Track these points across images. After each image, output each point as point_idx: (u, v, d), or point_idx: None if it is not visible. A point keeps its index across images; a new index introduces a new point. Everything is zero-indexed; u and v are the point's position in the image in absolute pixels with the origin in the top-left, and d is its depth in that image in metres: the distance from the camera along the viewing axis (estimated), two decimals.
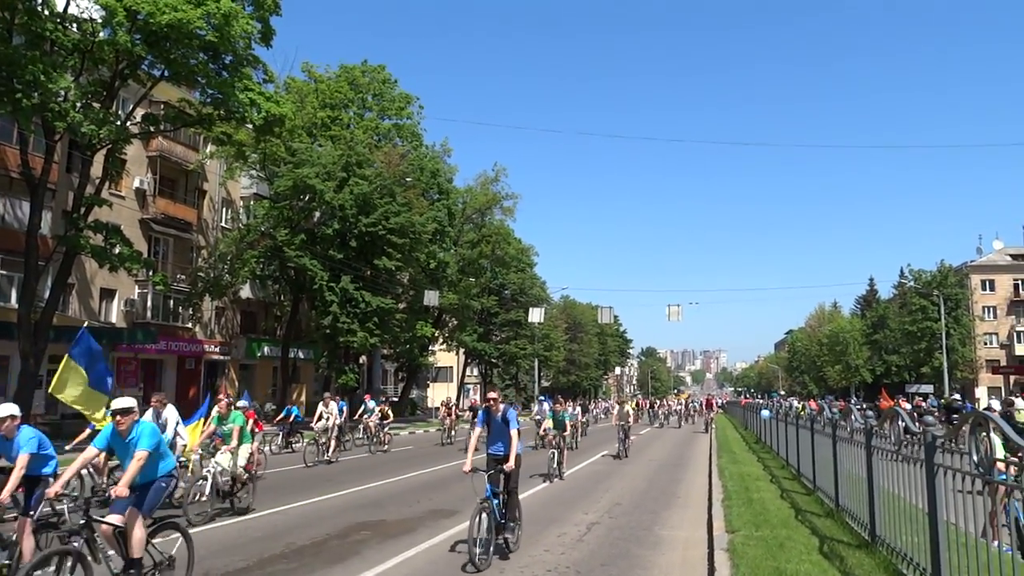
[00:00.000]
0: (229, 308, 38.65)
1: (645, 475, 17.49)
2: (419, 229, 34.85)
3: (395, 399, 49.53)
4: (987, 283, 70.55)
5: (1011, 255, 70.59)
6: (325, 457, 19.25)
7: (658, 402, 52.80)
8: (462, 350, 56.57)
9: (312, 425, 20.16)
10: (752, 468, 16.61)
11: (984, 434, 4.91)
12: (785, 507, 10.88)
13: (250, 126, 25.19)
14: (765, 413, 23.88)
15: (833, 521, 9.55)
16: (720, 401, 67.71)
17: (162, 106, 30.19)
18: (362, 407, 23.80)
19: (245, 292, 38.04)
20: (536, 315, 50.63)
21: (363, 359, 43.19)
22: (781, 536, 8.59)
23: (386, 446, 23.28)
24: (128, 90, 26.36)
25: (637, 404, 53.82)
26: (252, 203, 38.49)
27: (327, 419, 19.84)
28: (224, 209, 38.63)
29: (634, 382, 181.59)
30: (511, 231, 53.97)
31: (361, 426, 24.03)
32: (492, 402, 8.68)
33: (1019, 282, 68.42)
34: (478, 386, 65.40)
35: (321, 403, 20.44)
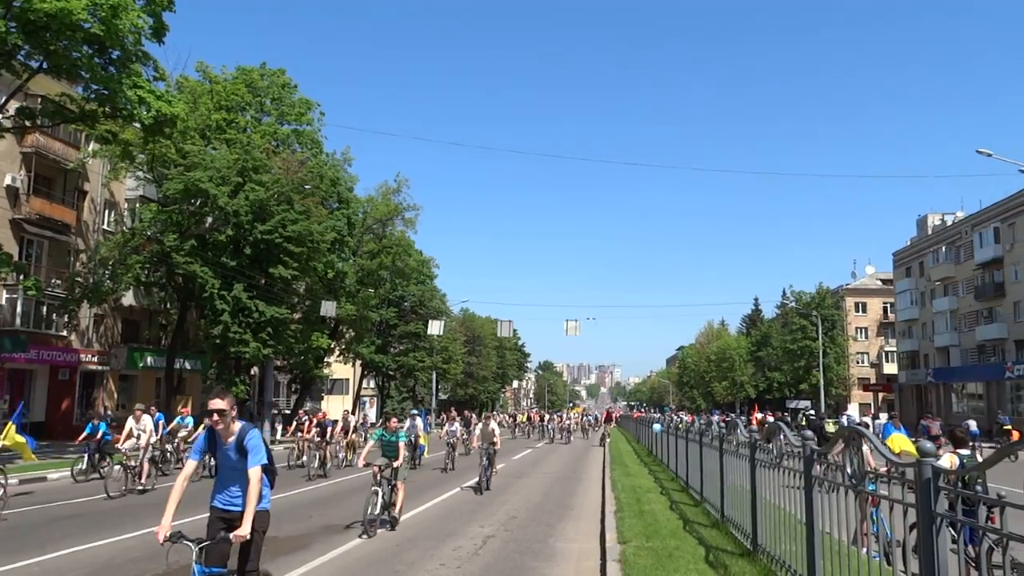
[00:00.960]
0: (109, 316, 36.55)
1: (541, 488, 17.64)
2: (317, 238, 34.08)
3: (287, 411, 48.08)
4: (860, 305, 75.43)
5: (881, 280, 75.75)
6: (137, 485, 15.56)
7: (557, 416, 53.03)
8: (359, 362, 55.57)
9: (119, 445, 16.03)
10: (644, 481, 17.03)
11: (856, 448, 5.21)
12: (674, 518, 11.21)
13: (138, 125, 23.99)
14: (657, 427, 24.58)
15: (719, 531, 9.91)
16: (616, 415, 69.31)
17: (39, 100, 28.31)
18: (175, 421, 19.82)
19: (128, 299, 36.08)
20: (435, 328, 50.40)
21: (255, 370, 41.71)
22: (670, 546, 8.84)
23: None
24: (0, 80, 24.61)
25: (529, 418, 53.92)
26: (138, 206, 36.61)
27: (137, 436, 16.04)
28: (107, 211, 36.57)
29: (531, 395, 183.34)
30: (412, 243, 53.58)
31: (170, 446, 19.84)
32: (217, 419, 5.24)
33: (888, 305, 73.32)
34: (375, 399, 64.33)
35: (131, 416, 16.42)
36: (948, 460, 7.73)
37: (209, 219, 33.33)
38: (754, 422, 32.90)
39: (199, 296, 32.74)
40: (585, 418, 53.86)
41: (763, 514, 7.94)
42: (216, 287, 31.39)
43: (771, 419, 32.79)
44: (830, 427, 20.97)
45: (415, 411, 24.69)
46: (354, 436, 24.11)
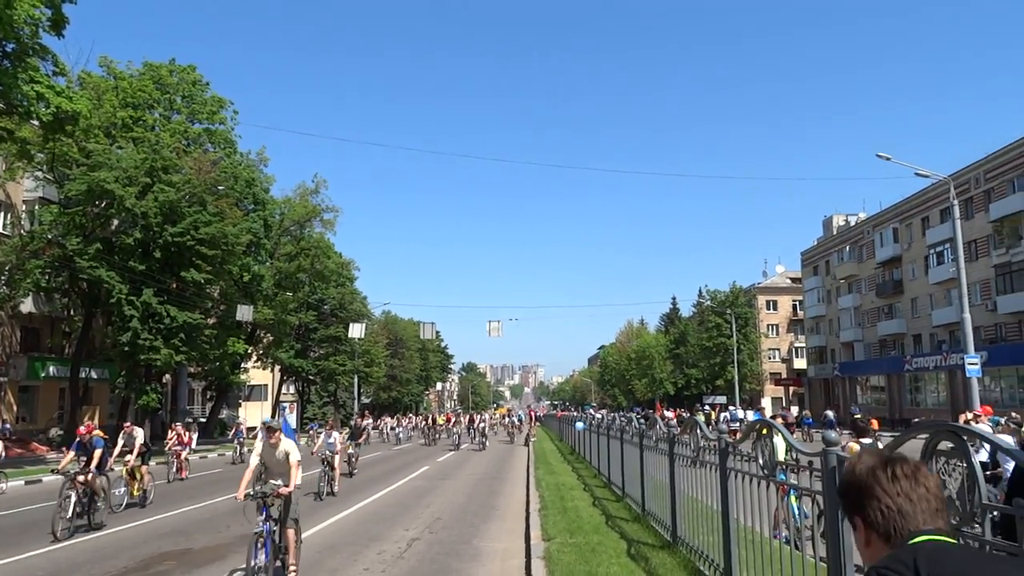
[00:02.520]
0: (7, 324, 34.55)
1: (465, 490, 17.66)
2: (232, 240, 33.10)
3: (203, 419, 46.51)
4: (771, 303, 78.34)
5: (791, 278, 78.92)
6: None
7: (477, 416, 52.80)
8: (278, 367, 54.30)
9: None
10: (567, 478, 17.27)
11: (768, 439, 5.44)
12: (597, 514, 11.41)
13: (36, 122, 22.76)
14: (579, 425, 24.91)
15: (640, 525, 10.15)
16: (539, 414, 69.67)
17: None
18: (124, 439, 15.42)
19: (27, 306, 34.18)
20: (356, 330, 49.74)
21: (167, 378, 40.19)
22: (593, 542, 9.00)
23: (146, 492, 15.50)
24: None
25: (447, 419, 53.07)
26: (38, 208, 34.72)
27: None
28: (2, 214, 34.57)
29: (455, 397, 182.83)
30: (331, 244, 52.74)
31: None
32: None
33: (797, 303, 76.42)
34: (295, 404, 62.92)
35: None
36: (850, 449, 8.14)
37: (115, 221, 31.92)
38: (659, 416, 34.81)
39: (105, 302, 31.32)
40: (508, 419, 52.09)
41: (682, 507, 8.20)
42: (124, 292, 30.10)
43: (668, 416, 35.33)
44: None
45: (266, 420, 18.37)
46: (132, 460, 15.20)
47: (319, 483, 15.72)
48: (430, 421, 43.06)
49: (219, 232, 31.96)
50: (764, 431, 5.43)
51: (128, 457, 15.22)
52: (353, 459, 20.99)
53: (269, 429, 8.36)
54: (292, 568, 8.00)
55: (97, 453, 12.26)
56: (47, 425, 35.34)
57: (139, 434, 15.37)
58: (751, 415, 36.35)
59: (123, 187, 29.65)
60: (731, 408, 46.67)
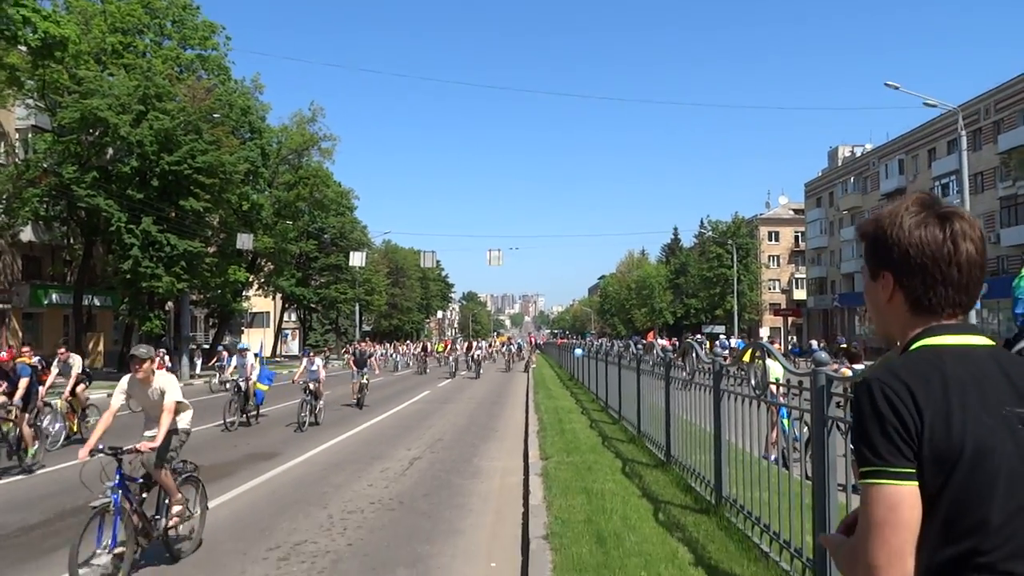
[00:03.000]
0: (7, 252, 34.62)
1: (466, 413, 18.07)
2: (229, 169, 32.83)
3: (206, 346, 47.10)
4: (773, 234, 78.11)
5: (794, 209, 78.42)
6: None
7: (475, 344, 53.07)
8: (279, 295, 54.65)
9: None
10: (565, 402, 17.67)
11: (760, 361, 5.58)
12: (594, 436, 11.74)
13: (24, 48, 22.31)
14: (579, 352, 25.24)
15: (635, 446, 10.46)
16: (539, 341, 70.36)
17: None
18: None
19: (27, 235, 34.16)
20: (357, 259, 49.83)
21: (170, 305, 40.54)
22: (589, 460, 9.31)
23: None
24: None
25: (445, 345, 52.96)
26: (31, 136, 34.32)
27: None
28: None
29: (455, 325, 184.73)
30: (330, 174, 52.32)
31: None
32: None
33: (799, 234, 76.08)
34: (297, 332, 63.58)
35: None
36: (843, 374, 8.33)
37: (111, 150, 31.60)
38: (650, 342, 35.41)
39: (105, 230, 31.31)
40: (507, 347, 51.27)
41: (676, 429, 8.45)
42: (123, 220, 30.05)
43: (663, 344, 36.28)
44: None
45: (244, 346, 17.67)
46: (67, 391, 13.22)
47: (299, 413, 14.78)
48: (423, 348, 40.75)
49: (216, 161, 31.70)
50: (757, 353, 5.56)
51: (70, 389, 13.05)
52: (364, 390, 19.28)
53: (133, 358, 6.00)
54: (175, 520, 6.02)
55: (22, 383, 10.45)
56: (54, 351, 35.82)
57: (75, 361, 13.30)
58: (734, 343, 36.96)
59: (116, 115, 29.25)
60: (722, 337, 47.13)
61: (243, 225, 38.40)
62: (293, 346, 69.19)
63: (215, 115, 33.22)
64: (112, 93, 29.53)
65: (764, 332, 69.88)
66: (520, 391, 24.92)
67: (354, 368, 19.85)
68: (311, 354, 16.48)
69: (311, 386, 15.24)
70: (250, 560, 6.15)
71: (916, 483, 1.25)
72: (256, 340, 46.48)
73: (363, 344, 27.86)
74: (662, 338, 55.71)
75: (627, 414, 12.41)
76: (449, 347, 42.56)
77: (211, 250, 36.59)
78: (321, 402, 15.90)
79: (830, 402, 4.28)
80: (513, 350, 47.50)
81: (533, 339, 52.04)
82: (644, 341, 37.13)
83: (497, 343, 57.65)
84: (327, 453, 11.82)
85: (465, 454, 11.63)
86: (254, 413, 16.08)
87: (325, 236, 58.41)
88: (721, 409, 6.47)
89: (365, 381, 19.42)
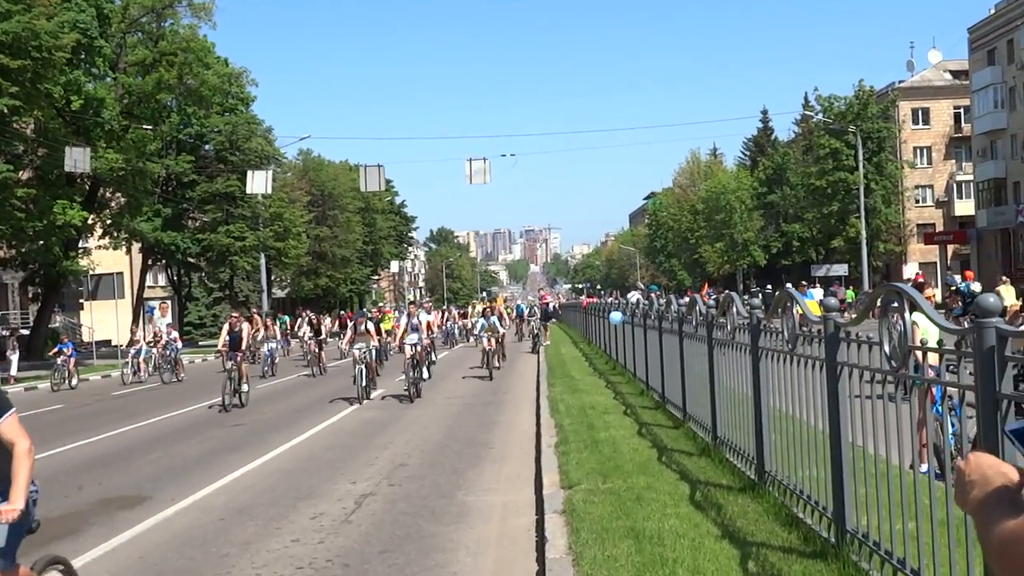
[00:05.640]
0: None
1: (441, 420, 18.27)
2: (48, 43, 32.58)
3: (25, 331, 47.19)
4: (920, 113, 77.48)
5: (951, 71, 77.66)
6: None
7: (452, 311, 53.04)
8: (137, 245, 54.57)
9: None
10: (598, 397, 17.86)
11: (897, 315, 5.63)
12: (645, 447, 11.89)
13: None
14: (616, 317, 25.30)
15: (709, 460, 10.62)
16: (553, 305, 70.09)
17: None
18: None
19: None
20: (259, 183, 49.58)
21: None
22: (638, 486, 9.45)
23: None
24: None
25: (391, 327, 51.34)
26: None
27: None
28: None
29: (421, 283, 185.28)
30: (210, 45, 51.83)
31: None
32: None
33: (961, 110, 75.59)
34: (169, 302, 63.60)
35: None
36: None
37: None
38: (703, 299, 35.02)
39: None
40: (489, 321, 44.29)
41: (770, 427, 8.58)
42: None
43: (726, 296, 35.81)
44: None
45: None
46: None
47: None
48: (315, 331, 34.68)
49: (26, 29, 31.44)
50: (893, 304, 5.60)
51: None
52: (242, 388, 22.23)
53: None
54: None
55: None
56: None
57: None
58: (818, 294, 37.22)
59: None
60: (810, 289, 47.91)
61: (74, 134, 38.21)
62: (163, 325, 69.31)
63: None
64: None
65: (910, 271, 69.84)
66: (525, 383, 25.12)
67: (224, 354, 22.82)
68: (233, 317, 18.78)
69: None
70: None
71: None
72: (106, 317, 46.58)
73: (236, 319, 26.41)
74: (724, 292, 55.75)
75: (696, 410, 12.55)
76: (407, 325, 33.81)
77: (24, 176, 36.48)
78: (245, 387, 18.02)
79: (1004, 372, 4.35)
80: (502, 327, 40.58)
81: (547, 300, 51.44)
82: (718, 295, 37.34)
83: (475, 313, 52.32)
84: (226, 492, 11.95)
85: (443, 485, 11.76)
86: None
87: (207, 148, 58.16)
88: (839, 393, 6.56)
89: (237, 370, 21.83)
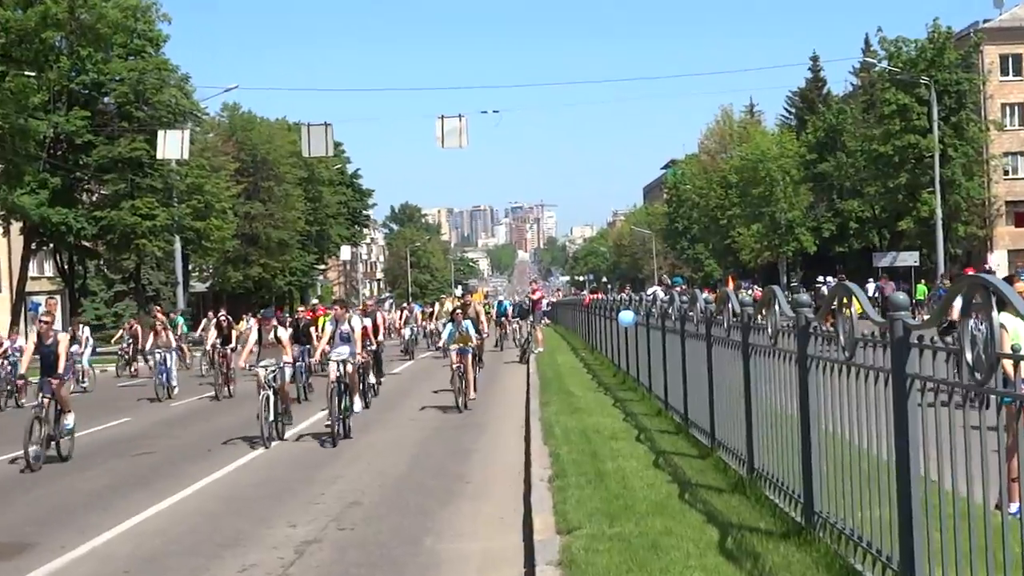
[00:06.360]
0: None
1: (404, 446, 18.38)
2: None
3: None
4: (1010, 61, 77.57)
5: None
6: None
7: (415, 310, 52.21)
8: (17, 225, 54.38)
9: None
10: (603, 419, 17.90)
11: (982, 316, 5.64)
12: (662, 481, 11.91)
13: None
14: (627, 317, 25.30)
15: (744, 498, 10.62)
16: (547, 300, 69.81)
17: None
18: None
19: None
20: (173, 145, 49.44)
21: None
22: (654, 531, 9.45)
23: None
24: None
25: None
26: None
27: None
28: None
29: (379, 274, 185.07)
30: None
31: None
32: None
33: None
34: (57, 297, 63.39)
35: None
36: None
37: None
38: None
39: None
40: (458, 327, 41.39)
41: (823, 455, 8.56)
42: None
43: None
44: None
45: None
46: None
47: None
48: (220, 336, 33.57)
49: None
50: (977, 301, 5.61)
51: None
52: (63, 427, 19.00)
53: None
54: None
55: None
56: None
57: None
58: (870, 288, 37.67)
59: None
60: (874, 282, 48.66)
61: None
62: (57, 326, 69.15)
63: None
64: None
65: (997, 260, 69.87)
66: (511, 400, 25.24)
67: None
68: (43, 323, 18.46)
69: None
70: None
71: None
72: None
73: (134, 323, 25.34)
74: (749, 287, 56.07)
75: (727, 435, 12.55)
76: (332, 333, 30.01)
77: None
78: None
79: None
80: (472, 333, 37.67)
81: (539, 295, 50.68)
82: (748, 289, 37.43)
83: (445, 307, 51.20)
84: (132, 538, 11.93)
85: (407, 529, 11.78)
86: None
87: (106, 101, 57.96)
88: (908, 412, 6.55)
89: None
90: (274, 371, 20.02)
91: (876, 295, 45.14)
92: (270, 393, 19.46)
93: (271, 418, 19.24)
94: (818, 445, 8.70)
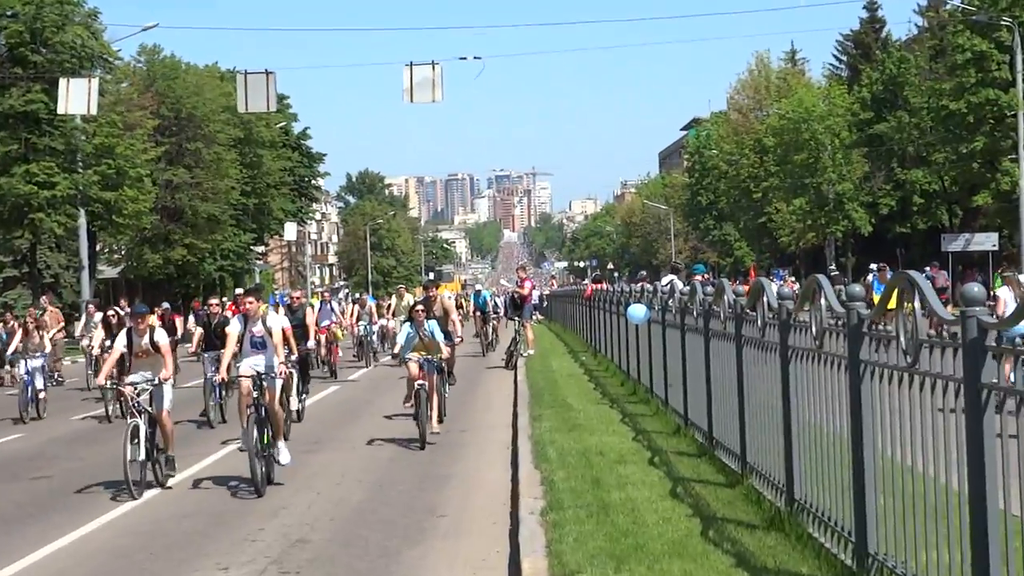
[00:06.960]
0: None
1: (363, 471, 18.44)
2: None
3: None
4: None
5: None
6: None
7: (369, 304, 51.49)
8: None
9: None
10: (608, 438, 17.93)
11: None
12: (681, 515, 11.90)
13: None
14: (638, 312, 25.29)
15: (782, 536, 10.59)
16: (539, 293, 69.76)
17: None
18: None
19: None
20: (78, 97, 49.39)
21: None
22: (671, 575, 9.44)
23: None
24: None
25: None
26: None
27: None
28: None
29: (332, 257, 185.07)
30: None
31: None
32: None
33: None
34: None
35: None
36: None
37: None
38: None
39: None
40: (421, 332, 38.96)
41: (877, 481, 8.53)
42: None
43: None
44: None
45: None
46: None
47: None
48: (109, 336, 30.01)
49: None
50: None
51: None
52: None
53: None
54: None
55: None
56: None
57: None
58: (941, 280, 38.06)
59: None
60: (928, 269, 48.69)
61: None
62: None
63: None
64: None
65: None
66: (494, 414, 25.36)
67: None
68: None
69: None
70: None
71: None
72: None
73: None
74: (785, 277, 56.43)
75: (760, 459, 12.53)
76: (240, 336, 27.73)
77: None
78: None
79: None
80: (440, 339, 35.02)
81: (529, 285, 50.35)
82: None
83: (405, 301, 49.41)
84: None
85: (365, 574, 11.85)
86: None
87: None
88: (983, 437, 6.50)
89: None
90: (145, 389, 17.64)
91: None
92: (139, 421, 17.03)
93: (141, 458, 16.75)
94: (873, 471, 8.65)
